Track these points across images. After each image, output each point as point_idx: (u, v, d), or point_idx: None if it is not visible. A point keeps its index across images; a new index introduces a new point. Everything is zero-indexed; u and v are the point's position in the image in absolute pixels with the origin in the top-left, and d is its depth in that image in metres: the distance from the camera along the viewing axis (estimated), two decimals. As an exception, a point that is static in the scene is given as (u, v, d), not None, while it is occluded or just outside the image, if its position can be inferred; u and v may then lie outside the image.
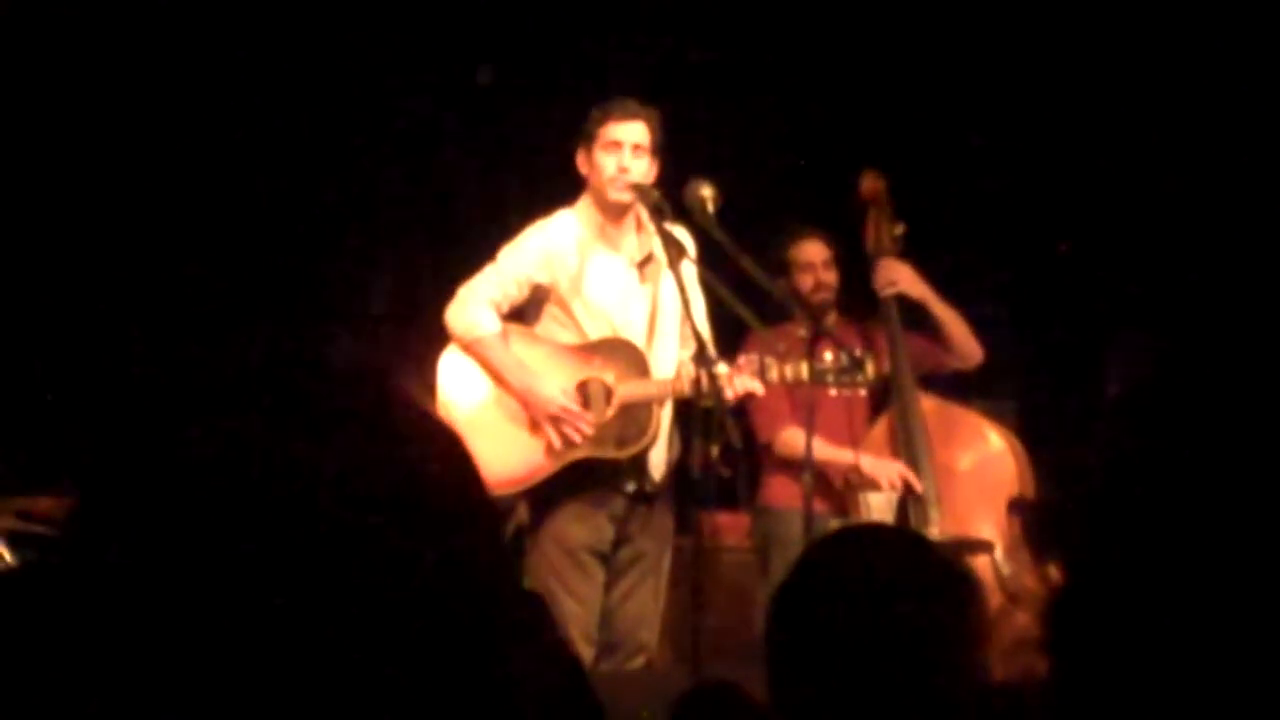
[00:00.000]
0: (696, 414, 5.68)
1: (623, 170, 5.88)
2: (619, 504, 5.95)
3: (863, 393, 6.54)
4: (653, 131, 5.93)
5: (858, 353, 5.90)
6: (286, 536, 1.13)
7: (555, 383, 5.90)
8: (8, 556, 5.74)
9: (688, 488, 5.89)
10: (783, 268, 6.62)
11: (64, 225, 7.33)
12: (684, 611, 6.21)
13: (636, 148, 5.90)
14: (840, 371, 5.86)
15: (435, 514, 1.17)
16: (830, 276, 6.66)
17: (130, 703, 1.13)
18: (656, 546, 6.05)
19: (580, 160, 5.98)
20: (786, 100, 7.88)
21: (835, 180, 6.99)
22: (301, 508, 1.14)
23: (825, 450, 6.30)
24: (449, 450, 1.21)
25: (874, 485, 6.39)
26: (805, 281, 6.62)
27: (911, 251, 6.72)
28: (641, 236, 6.02)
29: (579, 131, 5.98)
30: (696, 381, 5.64)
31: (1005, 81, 7.77)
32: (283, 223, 7.50)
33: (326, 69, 7.58)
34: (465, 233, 6.21)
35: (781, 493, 6.46)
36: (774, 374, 5.83)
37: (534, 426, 5.91)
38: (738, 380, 5.79)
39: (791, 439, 6.36)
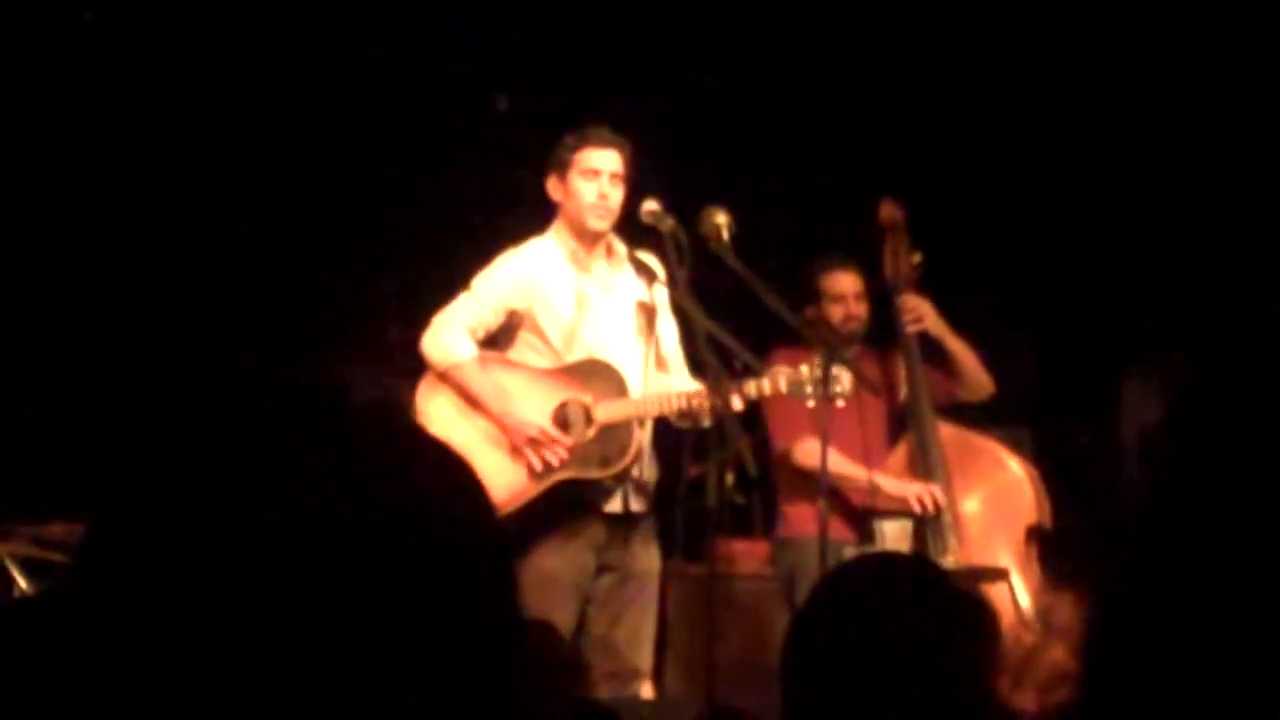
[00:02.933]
0: (712, 442, 5.69)
1: (603, 198, 5.94)
2: (600, 531, 5.96)
3: (874, 414, 6.55)
4: (626, 160, 5.99)
5: (833, 369, 5.86)
6: (298, 563, 1.13)
7: (533, 406, 5.93)
8: (22, 582, 5.74)
9: (702, 516, 5.88)
10: (813, 296, 6.61)
11: (81, 255, 7.34)
12: (699, 639, 6.20)
13: (614, 176, 5.95)
14: (816, 383, 5.85)
15: (445, 542, 1.17)
16: (861, 309, 6.64)
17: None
18: (643, 570, 6.05)
19: (552, 186, 6.02)
20: (804, 127, 7.88)
21: (853, 208, 6.99)
22: (314, 535, 1.14)
23: (844, 466, 6.31)
24: (459, 478, 1.21)
25: (892, 511, 6.39)
26: (835, 313, 6.60)
27: (928, 280, 6.72)
28: (611, 262, 6.07)
29: (550, 157, 6.01)
30: (669, 398, 5.80)
31: (1021, 109, 7.77)
32: (297, 252, 7.51)
33: (339, 93, 7.59)
34: (478, 262, 6.20)
35: (801, 521, 6.45)
36: (752, 390, 5.82)
37: (515, 450, 5.92)
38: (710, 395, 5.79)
39: (812, 449, 6.32)
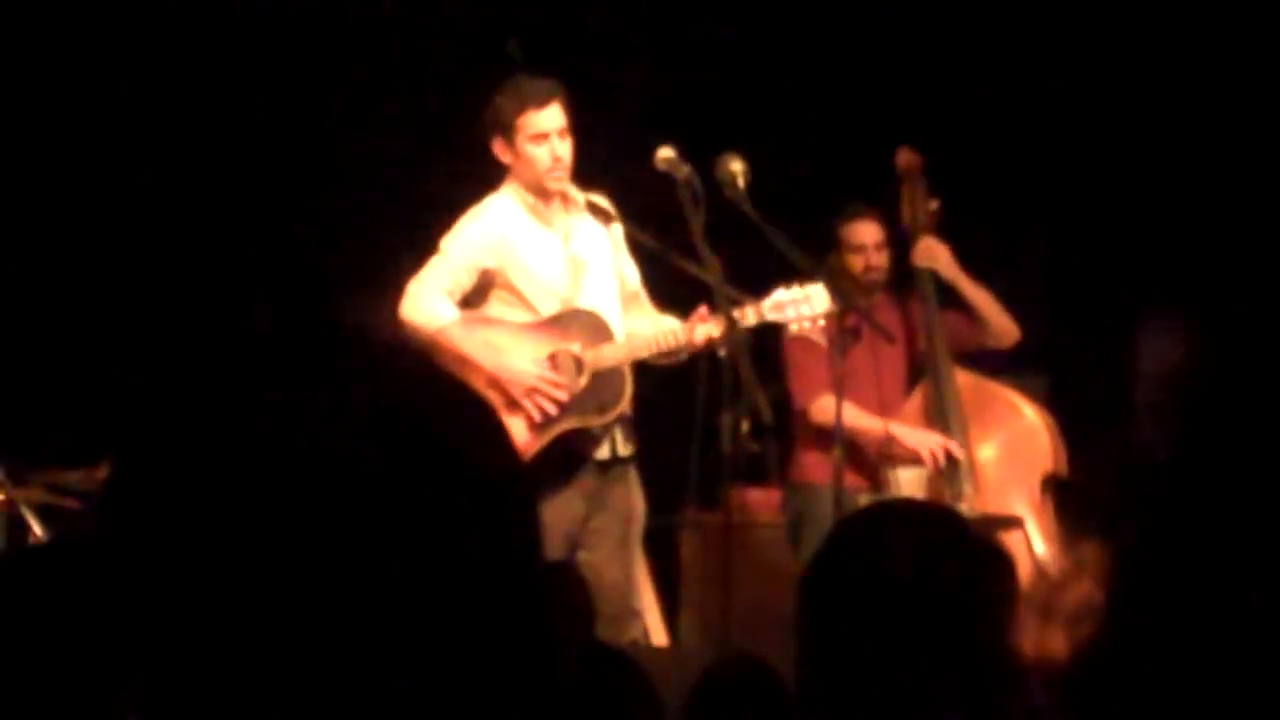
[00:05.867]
0: (727, 389, 5.69)
1: (557, 160, 5.87)
2: (591, 478, 5.97)
3: (896, 362, 6.58)
4: (566, 105, 5.90)
5: (809, 286, 5.88)
6: (323, 505, 1.13)
7: (523, 359, 5.91)
8: (38, 529, 5.77)
9: (716, 464, 5.88)
10: (834, 245, 6.61)
11: (96, 203, 7.34)
12: (713, 588, 6.21)
13: (561, 132, 5.88)
14: (797, 304, 5.85)
15: (469, 481, 1.17)
16: (881, 259, 6.64)
17: (161, 674, 1.13)
18: (633, 514, 6.06)
19: (499, 149, 5.93)
20: (821, 74, 7.85)
21: (870, 155, 6.97)
22: (340, 476, 1.14)
23: (860, 419, 6.33)
24: (480, 417, 1.21)
25: (907, 460, 6.40)
26: (856, 263, 6.60)
27: (945, 227, 6.71)
28: (570, 210, 6.05)
29: (488, 117, 5.92)
30: (635, 344, 5.90)
31: (1041, 55, 7.73)
32: (305, 192, 7.50)
33: (352, 37, 7.57)
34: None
35: (814, 468, 6.47)
36: (738, 318, 5.82)
37: (510, 408, 5.88)
38: (699, 329, 5.79)
39: (828, 405, 6.35)
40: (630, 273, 6.14)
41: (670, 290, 6.15)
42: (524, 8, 7.66)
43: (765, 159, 6.03)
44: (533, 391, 5.87)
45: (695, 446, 6.04)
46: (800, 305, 5.86)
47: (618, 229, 6.06)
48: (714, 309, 5.78)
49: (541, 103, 5.86)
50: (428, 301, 5.89)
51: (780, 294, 5.86)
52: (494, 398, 5.84)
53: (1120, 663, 1.45)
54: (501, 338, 5.96)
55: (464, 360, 5.88)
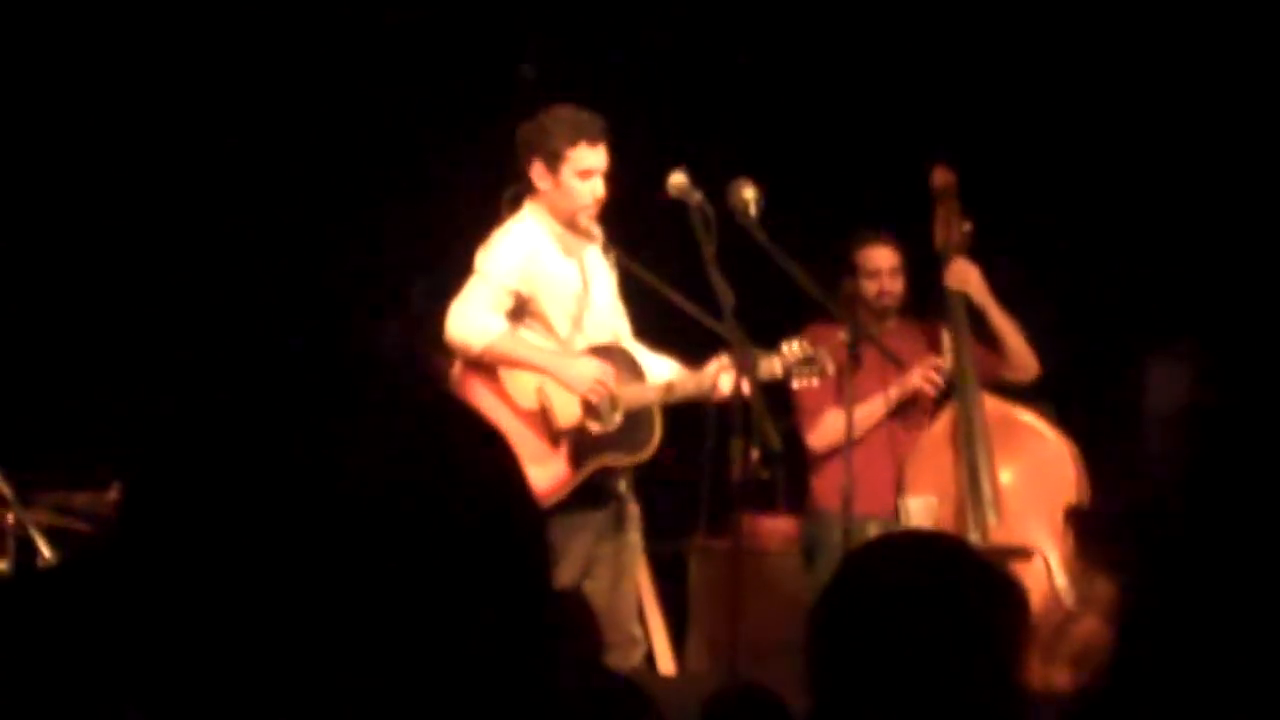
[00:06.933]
0: (737, 417, 5.69)
1: (598, 201, 5.90)
2: (606, 510, 6.02)
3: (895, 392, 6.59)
4: (609, 146, 5.93)
5: (812, 350, 5.92)
6: (333, 527, 1.13)
7: (563, 390, 5.93)
8: (46, 551, 5.76)
9: (726, 491, 5.88)
10: (849, 269, 6.60)
11: (108, 221, 7.36)
12: (721, 615, 6.20)
13: (604, 171, 5.91)
14: (800, 364, 5.90)
15: (482, 509, 1.17)
16: (896, 284, 6.62)
17: (170, 695, 1.13)
18: (634, 542, 6.11)
19: (538, 173, 5.91)
20: (835, 99, 7.85)
21: (886, 180, 6.96)
22: (348, 499, 1.14)
23: (862, 411, 6.35)
24: (494, 445, 1.21)
25: (917, 489, 6.39)
26: (870, 288, 6.59)
27: (977, 250, 6.67)
28: (584, 242, 6.05)
29: (533, 138, 5.92)
30: (669, 388, 5.93)
31: (1059, 81, 7.72)
32: (326, 217, 7.51)
33: (366, 56, 7.59)
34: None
35: (827, 495, 6.47)
36: (763, 370, 5.85)
37: (552, 442, 5.90)
38: (724, 380, 5.81)
39: (825, 430, 6.39)
40: (622, 309, 6.18)
41: (672, 324, 6.15)
42: (533, 31, 7.67)
43: (778, 185, 6.02)
44: (599, 383, 5.87)
45: (705, 473, 6.04)
46: (803, 366, 5.90)
47: (613, 268, 6.10)
48: (734, 359, 5.78)
49: (594, 139, 5.87)
50: (475, 319, 5.87)
51: (787, 353, 5.88)
52: (537, 429, 5.87)
53: (1126, 699, 1.44)
54: None
55: (522, 365, 5.88)
